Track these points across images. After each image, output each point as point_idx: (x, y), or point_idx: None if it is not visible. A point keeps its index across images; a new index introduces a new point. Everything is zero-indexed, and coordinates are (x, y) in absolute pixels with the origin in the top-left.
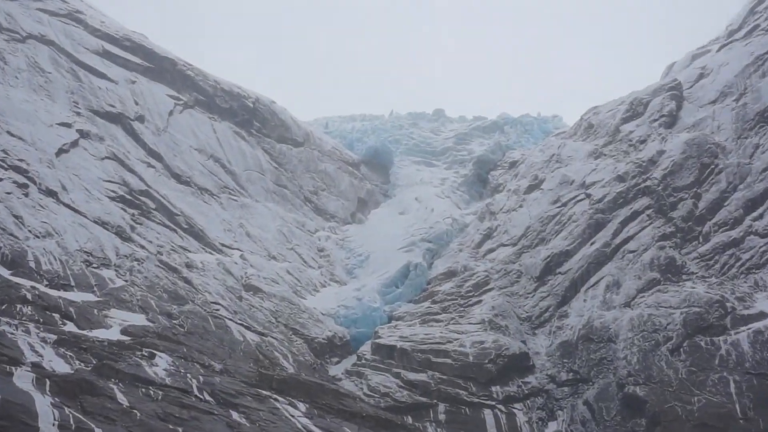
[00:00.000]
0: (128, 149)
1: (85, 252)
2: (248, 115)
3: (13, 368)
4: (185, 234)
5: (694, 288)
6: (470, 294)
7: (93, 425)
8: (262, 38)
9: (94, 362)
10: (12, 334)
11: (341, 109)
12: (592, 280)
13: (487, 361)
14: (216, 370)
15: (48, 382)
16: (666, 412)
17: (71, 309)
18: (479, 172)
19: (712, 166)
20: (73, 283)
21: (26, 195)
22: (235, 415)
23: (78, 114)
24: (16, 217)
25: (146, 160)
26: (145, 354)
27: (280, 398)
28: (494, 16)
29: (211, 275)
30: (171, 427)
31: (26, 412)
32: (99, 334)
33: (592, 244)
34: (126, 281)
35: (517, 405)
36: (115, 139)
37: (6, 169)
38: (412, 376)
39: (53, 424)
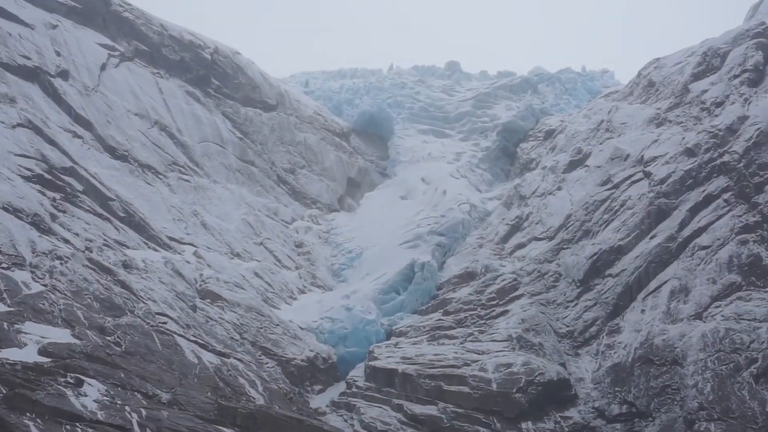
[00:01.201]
0: (48, 114)
1: None
2: (205, 71)
3: None
4: (122, 225)
5: None
6: (493, 302)
7: None
8: None
9: (4, 391)
10: None
11: (326, 62)
12: (653, 284)
13: (515, 389)
14: (163, 402)
15: None
16: None
17: None
18: (505, 144)
19: None
20: None
21: None
22: None
23: None
24: None
25: (71, 128)
26: (71, 381)
27: None
28: None
29: (157, 278)
30: None
31: None
32: (9, 354)
33: (652, 237)
34: (45, 286)
35: None
36: (30, 100)
37: None
38: (418, 409)
39: None
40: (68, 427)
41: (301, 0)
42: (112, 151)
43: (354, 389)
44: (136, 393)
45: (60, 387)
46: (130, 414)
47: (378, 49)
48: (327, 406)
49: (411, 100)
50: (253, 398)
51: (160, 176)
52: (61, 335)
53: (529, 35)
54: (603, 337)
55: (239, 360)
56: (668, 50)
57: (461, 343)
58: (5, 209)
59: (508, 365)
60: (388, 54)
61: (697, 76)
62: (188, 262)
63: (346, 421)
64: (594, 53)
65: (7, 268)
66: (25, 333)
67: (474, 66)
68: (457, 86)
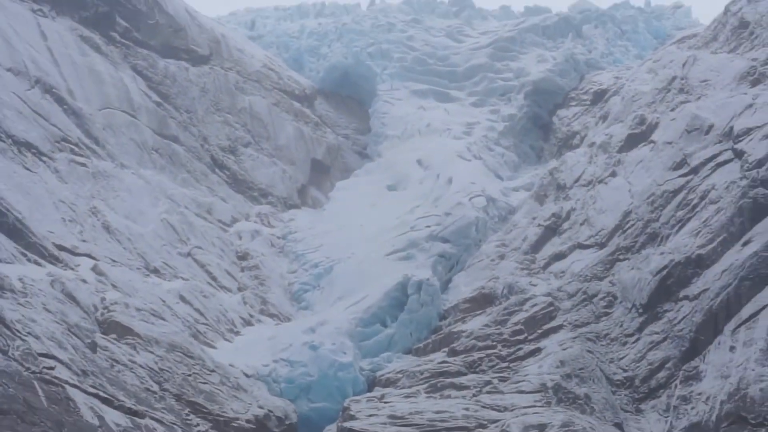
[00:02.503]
0: None
1: None
2: (107, 6)
3: None
4: None
5: None
6: (521, 337)
7: None
8: None
9: None
10: None
11: None
12: (746, 311)
13: None
14: None
15: None
16: None
17: None
18: (537, 110)
19: None
20: None
21: None
22: None
23: None
24: None
25: None
26: None
27: None
28: None
29: (40, 304)
30: None
31: None
32: None
33: (745, 244)
34: None
35: None
36: None
37: None
38: None
39: None
40: None
41: None
42: None
43: None
44: None
45: None
46: None
47: None
48: None
49: (402, 49)
50: None
51: (43, 158)
52: None
53: None
54: (676, 387)
55: (158, 420)
56: None
57: (474, 395)
58: None
59: (542, 427)
60: None
61: None
62: (85, 281)
63: None
64: None
65: None
66: None
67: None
68: (468, 28)
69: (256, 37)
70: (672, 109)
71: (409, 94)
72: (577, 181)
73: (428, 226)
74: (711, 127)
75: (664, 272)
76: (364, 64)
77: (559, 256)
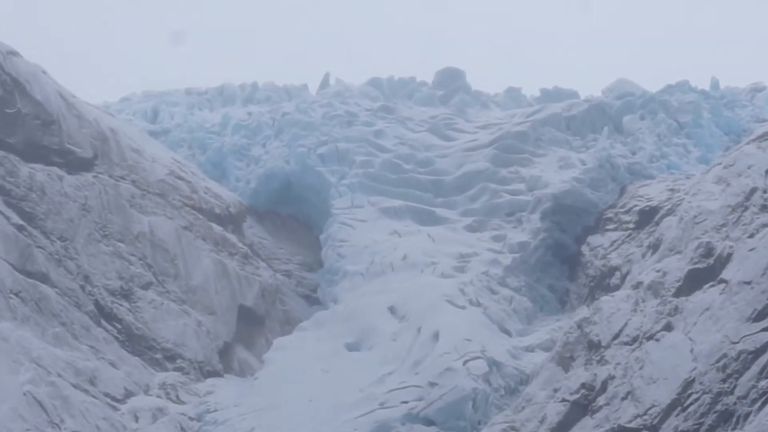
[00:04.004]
0: None
1: None
2: None
3: None
4: None
5: None
6: None
7: None
8: None
9: None
10: None
11: (195, 74)
12: None
13: None
14: None
15: None
16: None
17: None
18: (558, 235)
19: None
20: None
21: None
22: None
23: None
24: None
25: None
26: None
27: None
28: None
29: None
30: None
31: None
32: None
33: None
34: None
35: None
36: None
37: None
38: None
39: None
40: None
41: None
42: None
43: None
44: None
45: None
46: None
47: (301, 50)
48: None
49: (367, 149)
50: None
51: None
52: None
53: (603, 24)
54: None
55: None
56: None
57: None
58: None
59: None
60: (322, 59)
61: None
62: None
63: None
64: (731, 57)
65: None
66: None
67: (493, 78)
68: (461, 120)
69: (159, 133)
70: (751, 235)
71: (376, 213)
72: (616, 337)
73: (405, 402)
74: None
75: None
76: (312, 170)
77: None
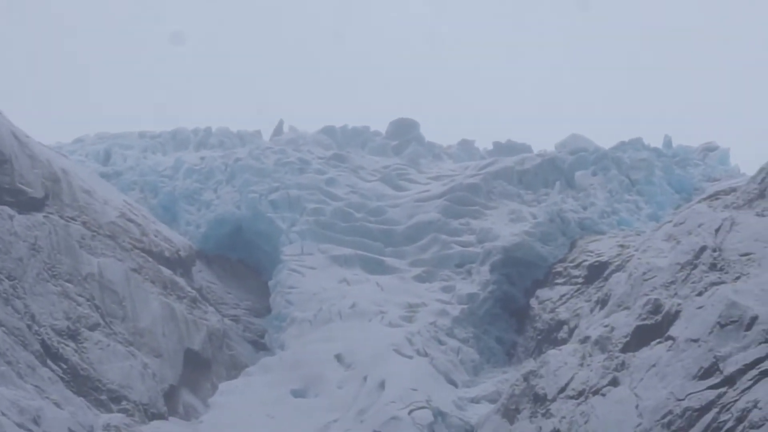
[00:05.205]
0: None
1: None
2: None
3: None
4: None
5: None
6: None
7: None
8: None
9: None
10: None
11: (148, 119)
12: None
13: None
14: None
15: None
16: None
17: None
18: (507, 289)
19: None
20: None
21: None
22: None
23: None
24: None
25: None
26: None
27: None
28: None
29: None
30: None
31: None
32: None
33: None
34: None
35: None
36: None
37: None
38: None
39: None
40: None
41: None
42: None
43: None
44: None
45: None
46: None
47: (253, 95)
48: None
49: (318, 197)
50: None
51: None
52: None
53: (558, 79)
54: None
55: None
56: None
57: None
58: None
59: None
60: (275, 105)
61: None
62: None
63: None
64: (686, 114)
65: None
66: None
67: (446, 130)
68: (413, 170)
69: (111, 175)
70: (699, 293)
71: (326, 260)
72: (563, 390)
73: None
74: (754, 319)
75: None
76: (263, 216)
77: None
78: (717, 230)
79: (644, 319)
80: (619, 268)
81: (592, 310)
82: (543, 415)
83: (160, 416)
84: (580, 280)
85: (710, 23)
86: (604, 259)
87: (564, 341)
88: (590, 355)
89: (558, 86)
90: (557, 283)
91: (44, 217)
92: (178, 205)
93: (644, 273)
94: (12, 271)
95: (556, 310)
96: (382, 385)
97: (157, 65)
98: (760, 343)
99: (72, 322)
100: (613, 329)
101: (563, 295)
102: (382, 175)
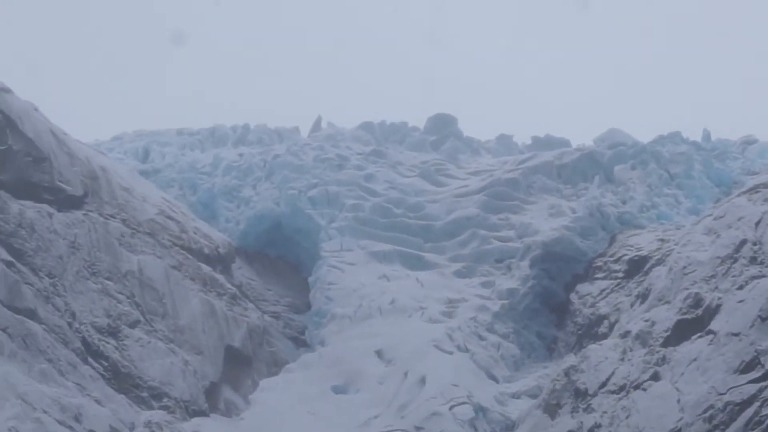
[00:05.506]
0: None
1: None
2: None
3: None
4: None
5: None
6: None
7: None
8: None
9: None
10: None
11: (184, 115)
12: None
13: None
14: None
15: None
16: None
17: None
18: (547, 284)
19: None
20: None
21: None
22: None
23: None
24: None
25: None
26: None
27: None
28: None
29: None
30: None
31: None
32: None
33: None
34: None
35: None
36: None
37: None
38: None
39: None
40: None
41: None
42: None
43: None
44: None
45: None
46: None
47: (294, 92)
48: None
49: (357, 193)
50: None
51: None
52: None
53: (595, 75)
54: None
55: None
56: None
57: None
58: None
59: None
60: (314, 101)
61: None
62: None
63: None
64: (723, 109)
65: None
66: None
67: (484, 126)
68: (452, 166)
69: (150, 172)
70: (740, 287)
71: (366, 256)
72: (603, 385)
73: None
74: None
75: None
76: (303, 213)
77: None
78: (757, 223)
79: (685, 314)
80: (660, 263)
81: (632, 305)
82: (584, 410)
83: (201, 413)
84: (620, 274)
85: (743, 17)
86: (644, 253)
87: (604, 336)
88: (631, 350)
89: (597, 80)
90: (597, 278)
91: (83, 215)
92: (217, 202)
93: (684, 267)
94: (52, 269)
95: (597, 304)
96: (422, 380)
97: (192, 62)
98: None
99: (112, 320)
100: (653, 324)
101: (603, 290)
102: (420, 170)
